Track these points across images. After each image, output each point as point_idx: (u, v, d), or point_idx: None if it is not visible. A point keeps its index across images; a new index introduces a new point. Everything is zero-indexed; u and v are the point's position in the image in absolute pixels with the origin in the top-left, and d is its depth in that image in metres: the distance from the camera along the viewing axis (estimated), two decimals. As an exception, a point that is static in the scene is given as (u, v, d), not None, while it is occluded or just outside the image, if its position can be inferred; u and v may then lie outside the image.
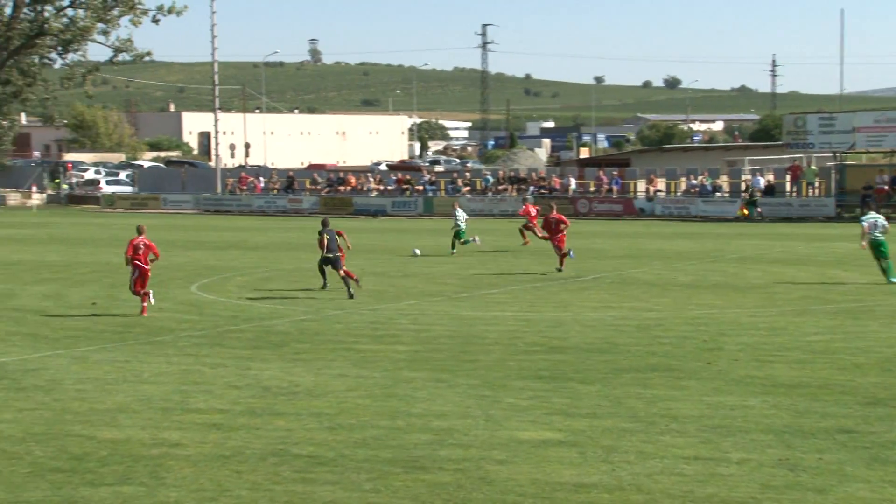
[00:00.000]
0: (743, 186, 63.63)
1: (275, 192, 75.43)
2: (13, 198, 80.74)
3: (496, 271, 34.49)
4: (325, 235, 28.42)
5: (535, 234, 39.78)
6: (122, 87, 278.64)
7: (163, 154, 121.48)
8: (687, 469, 12.42)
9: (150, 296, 25.47)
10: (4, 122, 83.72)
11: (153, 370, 18.52)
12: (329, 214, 69.07)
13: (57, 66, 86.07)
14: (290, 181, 76.23)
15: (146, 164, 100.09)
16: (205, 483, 12.07)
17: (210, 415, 15.23)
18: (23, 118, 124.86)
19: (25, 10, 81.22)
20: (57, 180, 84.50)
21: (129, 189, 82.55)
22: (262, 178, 78.05)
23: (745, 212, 59.89)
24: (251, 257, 40.17)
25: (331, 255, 28.42)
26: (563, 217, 35.74)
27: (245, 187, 77.04)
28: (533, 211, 40.79)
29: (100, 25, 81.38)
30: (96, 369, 18.59)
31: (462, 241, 40.38)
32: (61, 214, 71.87)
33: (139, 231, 25.95)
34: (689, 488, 11.75)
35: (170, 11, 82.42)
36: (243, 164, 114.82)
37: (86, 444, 13.58)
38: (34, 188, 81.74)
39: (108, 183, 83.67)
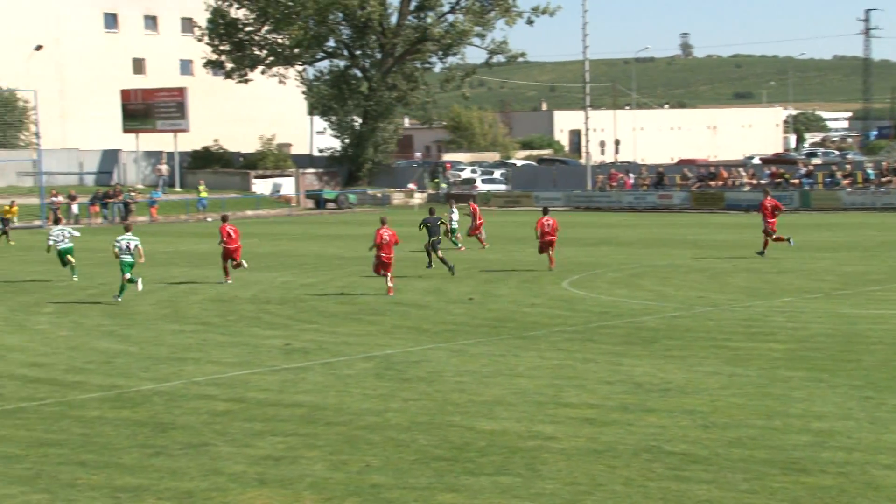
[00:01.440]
0: None
1: (644, 188, 75.18)
2: (397, 197, 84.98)
3: (879, 269, 32.74)
4: (428, 223, 34.64)
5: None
6: (496, 87, 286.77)
7: (535, 152, 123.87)
8: None
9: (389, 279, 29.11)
10: (389, 126, 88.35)
11: (527, 364, 18.93)
12: (700, 210, 68.05)
13: (436, 69, 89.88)
14: (659, 177, 75.74)
15: (519, 163, 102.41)
16: (579, 476, 12.21)
17: (583, 409, 15.40)
18: (405, 121, 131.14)
19: (409, 17, 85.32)
20: (436, 180, 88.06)
21: (502, 187, 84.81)
22: (631, 175, 78.01)
23: None
24: (621, 253, 40.23)
25: (435, 238, 34.16)
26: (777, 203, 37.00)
27: (615, 184, 77.27)
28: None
29: (477, 28, 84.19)
30: (474, 362, 19.24)
31: (452, 239, 42.21)
32: (439, 213, 74.85)
33: (382, 222, 29.38)
34: None
35: (543, 12, 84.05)
36: (613, 160, 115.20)
37: (466, 435, 14.08)
38: (415, 187, 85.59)
39: (483, 181, 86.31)
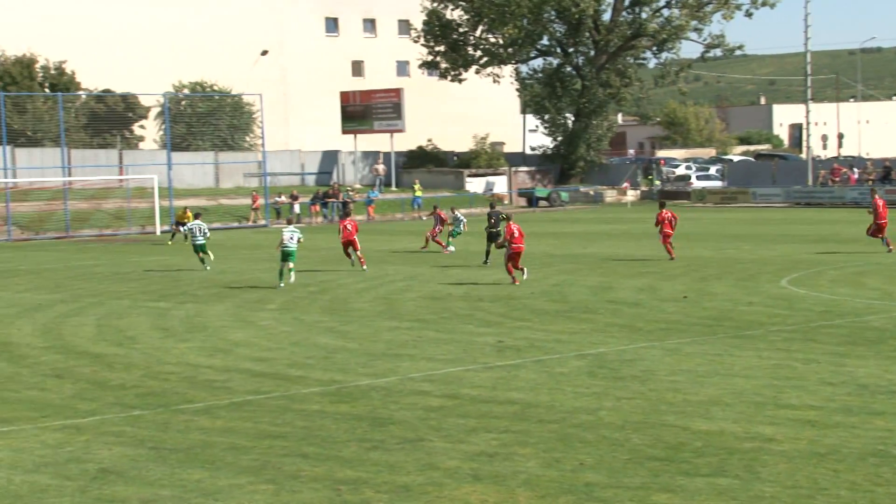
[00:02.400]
0: None
1: (870, 182, 72.27)
2: (609, 195, 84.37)
3: None
4: (491, 217, 38.31)
5: None
6: (713, 82, 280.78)
7: (752, 148, 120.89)
8: None
9: (524, 272, 31.59)
10: (602, 123, 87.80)
11: (744, 364, 18.48)
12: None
13: (650, 65, 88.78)
14: (886, 171, 72.68)
15: (735, 159, 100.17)
16: (800, 480, 11.84)
17: (804, 411, 14.93)
18: (619, 118, 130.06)
19: (623, 13, 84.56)
20: (650, 177, 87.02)
21: (718, 184, 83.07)
22: (856, 169, 75.15)
23: None
24: (844, 251, 38.81)
25: (494, 231, 37.18)
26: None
27: (838, 179, 74.59)
28: None
29: (693, 23, 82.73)
30: (688, 361, 18.91)
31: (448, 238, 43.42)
32: (654, 209, 73.97)
33: (508, 218, 34.53)
34: None
35: (763, 4, 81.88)
36: (836, 154, 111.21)
37: (681, 435, 13.86)
38: (628, 185, 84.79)
39: (698, 178, 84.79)
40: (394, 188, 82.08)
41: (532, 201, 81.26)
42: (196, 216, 39.57)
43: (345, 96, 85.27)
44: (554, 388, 16.98)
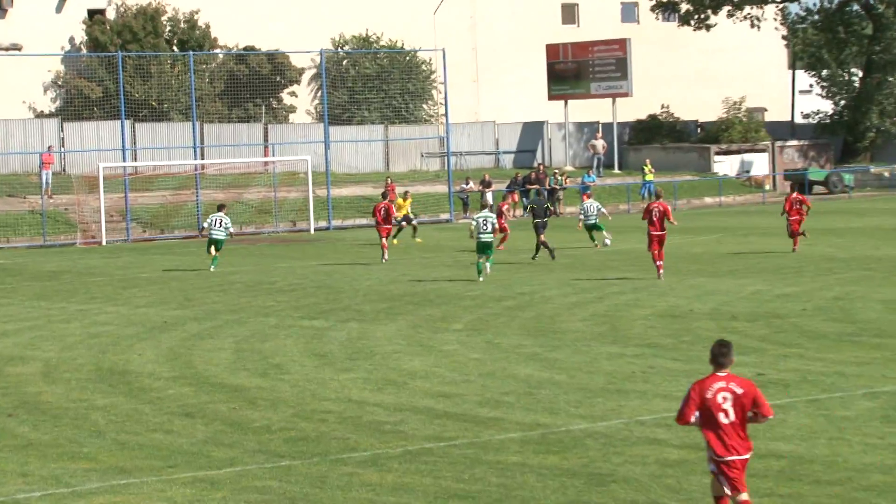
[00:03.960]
0: None
1: None
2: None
3: None
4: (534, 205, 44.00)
5: None
6: None
7: None
8: None
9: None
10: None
11: None
12: None
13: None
14: None
15: None
16: None
17: None
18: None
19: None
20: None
21: None
22: None
23: None
24: None
25: (539, 221, 42.11)
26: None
27: None
28: None
29: None
30: None
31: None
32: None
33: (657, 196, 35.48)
34: None
35: None
36: None
37: None
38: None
39: None
40: (616, 171, 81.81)
41: (804, 186, 79.78)
42: (220, 208, 44.07)
43: (552, 50, 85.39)
44: (835, 438, 16.70)
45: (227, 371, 23.53)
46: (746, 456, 12.09)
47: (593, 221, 46.38)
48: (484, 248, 36.37)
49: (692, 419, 12.10)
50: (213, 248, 42.33)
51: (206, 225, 43.64)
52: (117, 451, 17.44)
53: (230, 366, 24.06)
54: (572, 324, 28.14)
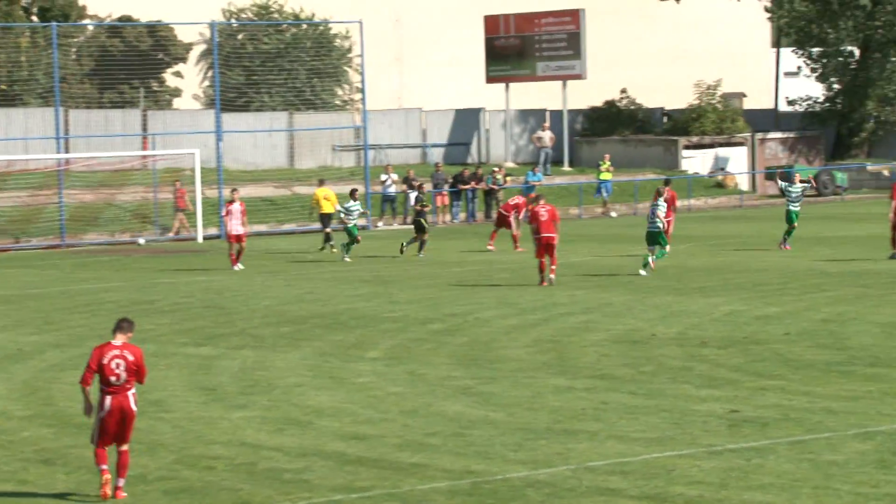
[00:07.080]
0: None
1: None
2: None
3: None
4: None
5: None
6: None
7: None
8: None
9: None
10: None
11: None
12: None
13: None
14: None
15: None
16: None
17: None
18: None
19: None
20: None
21: None
22: None
23: None
24: None
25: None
26: None
27: None
28: None
29: None
30: None
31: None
32: None
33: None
34: None
35: None
36: None
37: None
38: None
39: None
40: (567, 167, 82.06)
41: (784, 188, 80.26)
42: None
43: (492, 23, 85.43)
44: (821, 487, 16.85)
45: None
46: None
47: None
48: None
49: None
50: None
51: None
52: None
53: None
54: (512, 351, 28.19)
